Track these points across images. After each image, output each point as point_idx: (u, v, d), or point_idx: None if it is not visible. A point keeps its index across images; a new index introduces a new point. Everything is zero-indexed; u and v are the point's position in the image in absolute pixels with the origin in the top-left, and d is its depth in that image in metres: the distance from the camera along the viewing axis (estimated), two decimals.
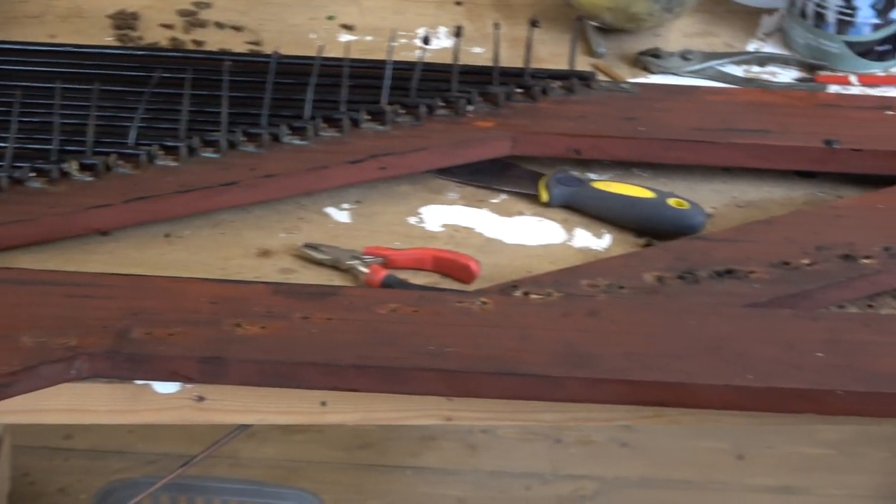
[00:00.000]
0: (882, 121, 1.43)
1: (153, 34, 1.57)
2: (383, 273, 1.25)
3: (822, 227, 1.30)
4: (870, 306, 1.28)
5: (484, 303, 1.19)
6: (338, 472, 2.35)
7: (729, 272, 1.24)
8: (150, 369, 1.14)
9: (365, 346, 1.14)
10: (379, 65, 1.41)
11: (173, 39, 1.56)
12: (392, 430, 2.40)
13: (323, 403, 1.18)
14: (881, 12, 1.51)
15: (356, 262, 1.26)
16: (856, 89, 1.53)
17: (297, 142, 1.36)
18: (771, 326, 1.19)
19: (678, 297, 1.21)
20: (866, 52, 1.54)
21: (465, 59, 1.46)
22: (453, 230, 1.33)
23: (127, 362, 1.13)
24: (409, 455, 2.39)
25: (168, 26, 1.58)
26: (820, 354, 1.17)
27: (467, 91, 1.40)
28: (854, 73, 1.54)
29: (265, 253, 1.29)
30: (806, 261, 1.26)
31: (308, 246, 1.28)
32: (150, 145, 1.32)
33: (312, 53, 1.43)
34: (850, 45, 1.53)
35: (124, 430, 2.31)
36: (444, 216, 1.34)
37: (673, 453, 2.43)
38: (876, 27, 1.52)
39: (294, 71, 1.42)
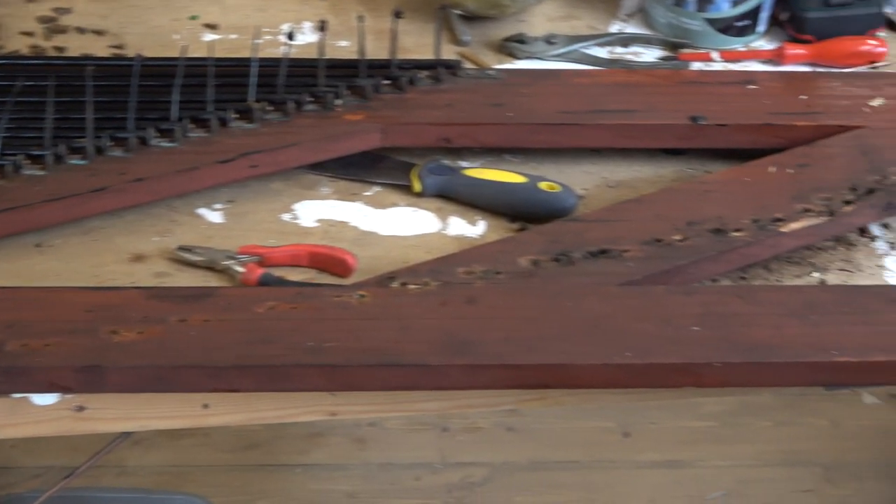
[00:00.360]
0: (745, 95, 1.45)
1: (13, 42, 1.54)
2: (259, 272, 1.24)
3: (692, 203, 1.31)
4: (742, 278, 1.30)
5: (362, 296, 1.19)
6: (226, 475, 2.33)
7: (603, 252, 1.26)
8: (27, 381, 1.12)
9: (244, 345, 1.13)
10: (244, 63, 1.40)
11: (34, 47, 1.53)
12: (279, 428, 2.39)
13: (205, 406, 1.18)
14: None
15: (231, 262, 1.25)
16: (718, 65, 1.55)
17: (166, 144, 1.34)
18: (646, 303, 1.20)
19: (554, 280, 1.22)
20: (727, 28, 1.56)
21: (331, 53, 1.46)
22: (328, 225, 1.32)
23: (3, 376, 1.11)
24: (297, 453, 2.38)
25: (28, 34, 1.56)
26: (696, 328, 1.18)
27: (335, 85, 1.39)
28: (716, 50, 1.56)
29: (139, 258, 1.27)
30: (678, 237, 1.28)
31: (182, 248, 1.27)
32: (15, 155, 1.30)
33: (176, 54, 1.42)
34: (711, 21, 1.55)
35: (6, 444, 2.28)
36: (318, 211, 1.34)
37: (559, 435, 2.45)
38: (735, 3, 1.54)
39: (159, 73, 1.41)
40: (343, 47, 1.53)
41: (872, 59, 1.55)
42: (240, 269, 1.24)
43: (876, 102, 1.44)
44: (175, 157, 1.33)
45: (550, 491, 2.37)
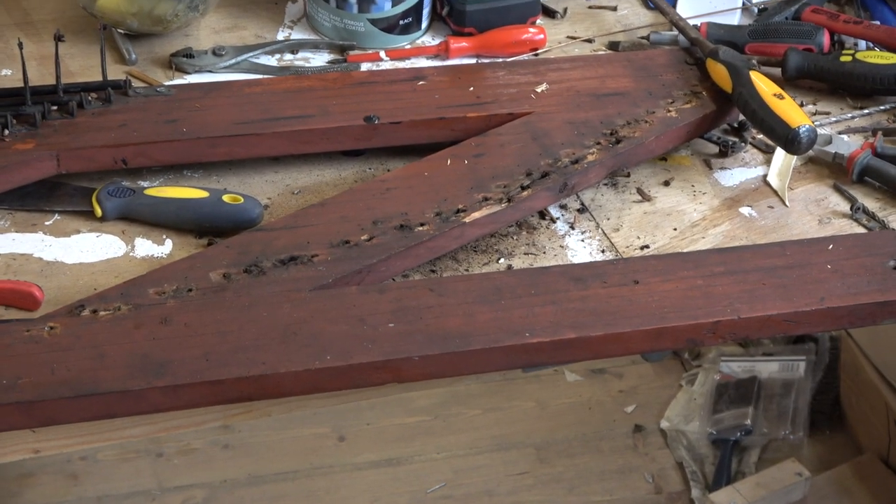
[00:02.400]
0: (415, 92, 1.47)
1: None
2: None
3: (375, 202, 1.33)
4: (432, 271, 1.33)
5: (52, 328, 1.16)
6: None
7: (293, 259, 1.26)
8: None
9: None
10: None
11: None
12: None
13: None
14: None
15: None
16: (387, 64, 1.57)
17: None
18: (340, 305, 1.22)
19: (247, 291, 1.22)
20: (390, 27, 1.58)
21: None
22: (10, 259, 1.29)
23: None
24: (8, 496, 2.31)
25: None
26: (391, 325, 1.20)
27: (1, 115, 1.35)
28: (383, 49, 1.58)
29: None
30: (365, 237, 1.29)
31: None
32: None
33: None
34: (374, 22, 1.57)
35: None
36: None
37: (275, 446, 2.45)
38: (395, 2, 1.56)
39: None
40: (6, 76, 1.49)
41: (534, 46, 1.60)
42: None
43: (541, 88, 1.49)
44: None
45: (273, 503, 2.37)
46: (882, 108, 1.58)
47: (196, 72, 1.52)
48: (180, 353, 1.15)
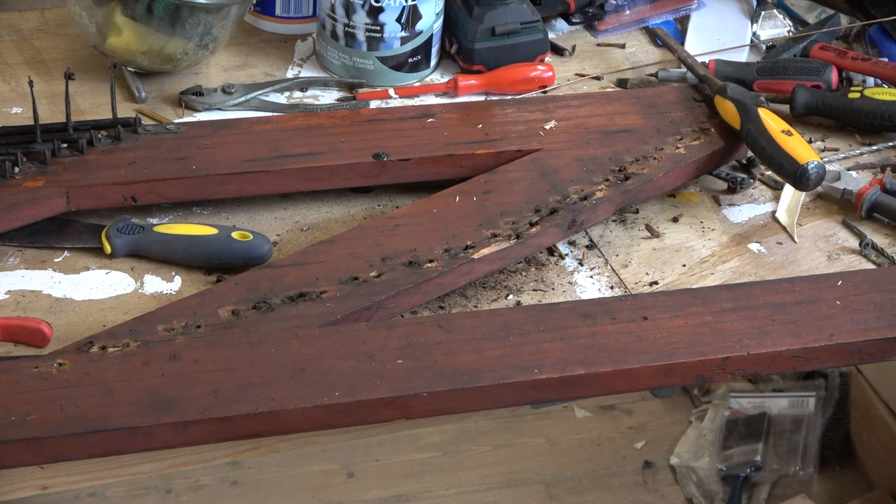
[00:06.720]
0: (424, 129, 1.48)
1: None
2: None
3: (384, 239, 1.33)
4: (441, 308, 1.33)
5: (61, 364, 1.17)
6: None
7: (301, 295, 1.26)
8: None
9: None
10: None
11: None
12: None
13: None
14: (407, 25, 1.56)
15: None
16: (396, 102, 1.57)
17: None
18: (349, 341, 1.22)
19: (255, 327, 1.23)
20: (399, 65, 1.59)
21: (3, 121, 1.43)
22: (19, 295, 1.29)
23: None
24: None
25: None
26: (400, 361, 1.20)
27: (11, 153, 1.36)
28: (392, 87, 1.58)
29: None
30: (373, 273, 1.29)
31: None
32: None
33: None
34: (383, 60, 1.58)
35: None
36: (7, 282, 1.30)
37: (284, 482, 2.44)
38: (404, 40, 1.57)
39: None
40: (16, 114, 1.49)
41: (542, 84, 1.60)
42: None
43: (549, 125, 1.49)
44: None
45: None
46: (890, 144, 1.59)
47: (205, 109, 1.52)
48: (189, 390, 1.15)
